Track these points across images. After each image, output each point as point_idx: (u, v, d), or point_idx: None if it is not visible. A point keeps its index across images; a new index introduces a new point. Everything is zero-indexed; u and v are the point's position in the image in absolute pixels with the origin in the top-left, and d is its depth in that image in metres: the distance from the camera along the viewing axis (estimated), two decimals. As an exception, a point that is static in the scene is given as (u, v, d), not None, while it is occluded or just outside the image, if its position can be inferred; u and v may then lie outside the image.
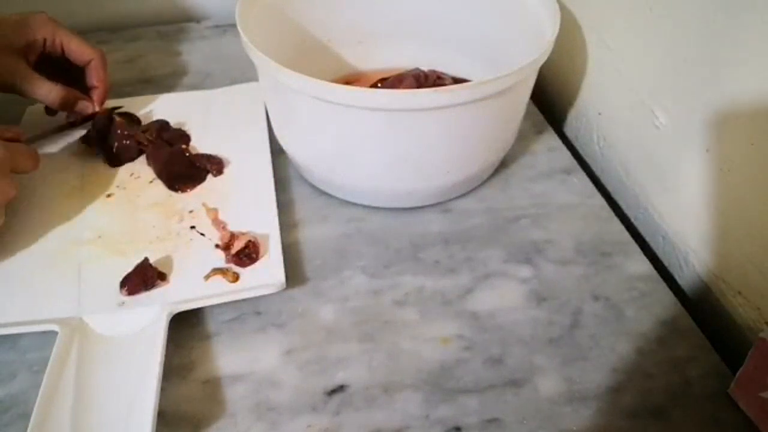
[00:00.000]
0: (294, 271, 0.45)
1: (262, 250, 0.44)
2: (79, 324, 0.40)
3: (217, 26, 0.73)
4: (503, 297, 0.43)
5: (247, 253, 0.43)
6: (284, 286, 0.42)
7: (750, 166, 0.38)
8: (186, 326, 0.41)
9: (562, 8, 0.47)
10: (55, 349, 0.38)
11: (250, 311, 0.42)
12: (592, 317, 0.42)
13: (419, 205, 0.49)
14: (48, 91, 0.50)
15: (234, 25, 0.44)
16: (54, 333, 0.39)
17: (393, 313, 0.42)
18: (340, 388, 0.38)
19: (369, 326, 0.41)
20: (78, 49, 0.52)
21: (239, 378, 0.38)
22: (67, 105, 0.52)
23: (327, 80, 0.39)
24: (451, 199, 0.50)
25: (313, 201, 0.50)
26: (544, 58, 0.43)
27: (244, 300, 0.42)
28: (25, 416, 0.36)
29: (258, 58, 0.42)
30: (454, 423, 0.36)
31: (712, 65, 0.40)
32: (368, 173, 0.46)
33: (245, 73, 0.59)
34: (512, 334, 0.41)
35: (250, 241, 0.43)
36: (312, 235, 0.47)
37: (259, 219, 0.46)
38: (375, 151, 0.45)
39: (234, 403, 0.37)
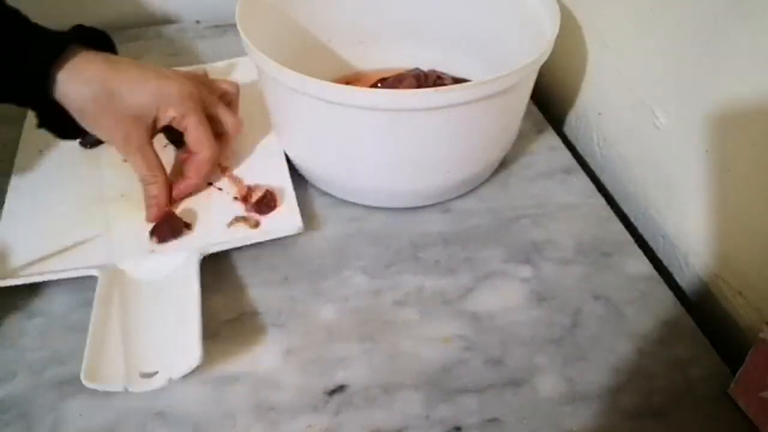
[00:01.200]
0: (294, 271, 0.45)
1: (278, 199, 0.47)
2: (116, 270, 0.42)
3: (217, 26, 0.73)
4: (503, 297, 0.43)
5: (266, 202, 0.46)
6: (302, 229, 0.45)
7: (750, 166, 0.38)
8: (186, 326, 0.41)
9: (562, 8, 0.47)
10: (97, 291, 0.40)
11: (250, 311, 0.42)
12: (592, 317, 0.42)
13: (419, 205, 0.49)
14: (151, 167, 0.46)
15: (234, 25, 0.44)
16: (55, 334, 0.39)
17: (393, 313, 0.42)
18: (340, 388, 0.38)
19: (369, 326, 0.41)
20: (194, 141, 0.46)
21: (239, 378, 0.38)
22: (155, 199, 0.46)
23: (327, 80, 0.39)
24: (451, 199, 0.50)
25: (313, 201, 0.50)
26: (544, 58, 0.43)
27: (244, 300, 0.42)
28: (25, 416, 0.36)
29: (258, 58, 0.42)
30: (454, 423, 0.36)
31: (712, 65, 0.40)
32: (368, 173, 0.46)
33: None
34: (512, 334, 0.41)
35: (268, 191, 0.47)
36: (312, 235, 0.47)
37: (272, 173, 0.50)
38: (375, 151, 0.45)
39: (234, 403, 0.37)
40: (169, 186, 0.47)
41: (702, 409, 0.37)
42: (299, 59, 0.47)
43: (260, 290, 0.43)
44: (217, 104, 0.48)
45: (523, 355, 0.39)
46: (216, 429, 0.36)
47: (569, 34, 0.55)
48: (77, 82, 0.41)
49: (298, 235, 0.47)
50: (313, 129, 0.45)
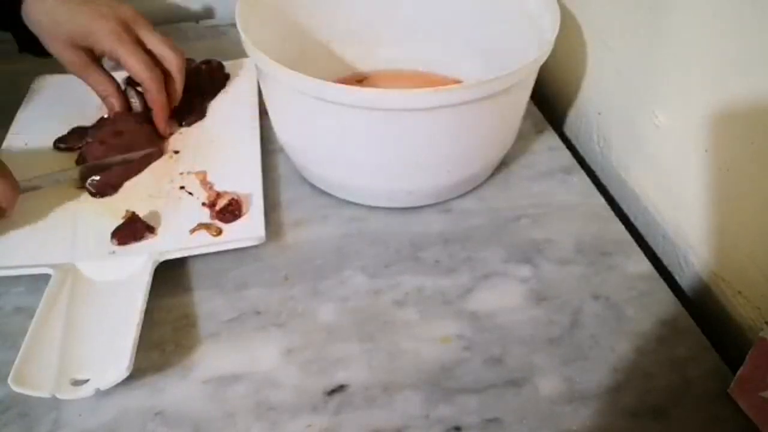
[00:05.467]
0: (294, 271, 0.45)
1: (244, 208, 0.47)
2: (72, 269, 0.42)
3: (217, 26, 0.73)
4: (503, 297, 0.43)
5: (230, 210, 0.46)
6: (263, 240, 0.44)
7: (750, 166, 0.38)
8: (187, 326, 0.41)
9: (562, 8, 0.47)
10: (47, 289, 0.40)
11: (250, 311, 0.42)
12: (592, 317, 0.42)
13: (419, 205, 0.49)
14: (98, 84, 0.53)
15: (234, 25, 0.44)
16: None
17: (393, 313, 0.42)
18: (340, 388, 0.38)
19: (369, 326, 0.41)
20: (132, 70, 0.51)
21: (239, 378, 0.38)
22: (111, 106, 0.54)
23: (327, 80, 0.39)
24: (451, 199, 0.50)
25: (313, 201, 0.50)
26: (544, 58, 0.43)
27: (244, 299, 0.42)
28: (25, 416, 0.36)
29: (258, 58, 0.42)
30: (454, 423, 0.36)
31: (712, 65, 0.40)
32: (368, 173, 0.46)
33: (245, 73, 0.59)
34: (512, 334, 0.41)
35: (233, 199, 0.46)
36: (312, 235, 0.47)
37: (244, 180, 0.49)
38: (375, 151, 0.45)
39: (234, 403, 0.37)
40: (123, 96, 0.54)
41: (702, 409, 0.37)
42: (299, 59, 0.47)
43: (260, 290, 0.43)
44: (151, 40, 0.52)
45: (522, 355, 0.39)
46: (216, 429, 0.36)
47: (569, 34, 0.55)
48: (36, 12, 0.49)
49: (298, 234, 0.47)
50: (312, 129, 0.45)
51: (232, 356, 0.39)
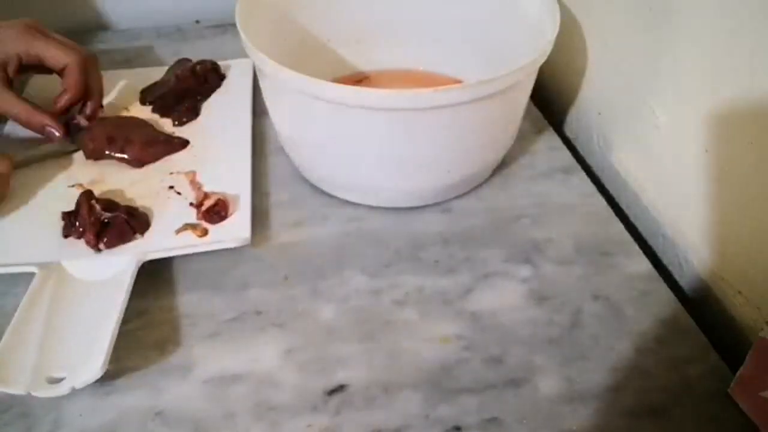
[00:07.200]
0: (294, 271, 0.45)
1: (231, 209, 0.47)
2: (57, 267, 0.42)
3: (217, 26, 0.73)
4: (503, 297, 0.43)
5: (217, 211, 0.46)
6: (248, 242, 0.44)
7: (749, 166, 0.38)
8: (186, 326, 0.41)
9: (562, 8, 0.47)
10: (30, 288, 0.40)
11: (250, 311, 0.42)
12: (592, 317, 0.42)
13: (419, 205, 0.49)
14: (11, 108, 0.49)
15: (234, 25, 0.44)
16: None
17: (393, 313, 0.42)
18: (340, 388, 0.38)
19: (369, 326, 0.41)
20: (53, 57, 0.49)
21: (239, 378, 0.38)
22: (31, 127, 0.50)
23: (327, 80, 0.39)
24: (451, 199, 0.50)
25: (313, 201, 0.50)
26: (544, 58, 0.43)
27: (244, 299, 0.42)
28: (25, 416, 0.36)
29: (258, 58, 0.42)
30: (454, 423, 0.36)
31: (712, 65, 0.40)
32: (368, 173, 0.46)
33: (245, 73, 0.59)
34: (512, 334, 0.41)
35: (219, 199, 0.46)
36: (312, 235, 0.47)
37: (233, 181, 0.49)
38: (375, 151, 0.45)
39: (234, 403, 0.37)
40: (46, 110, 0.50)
41: (701, 409, 0.37)
42: (299, 59, 0.47)
43: (260, 290, 0.43)
44: (46, 45, 0.50)
45: (522, 355, 0.39)
46: (216, 429, 0.36)
47: (569, 34, 0.55)
48: None
49: (298, 234, 0.47)
50: (312, 129, 0.45)
51: (232, 356, 0.39)
